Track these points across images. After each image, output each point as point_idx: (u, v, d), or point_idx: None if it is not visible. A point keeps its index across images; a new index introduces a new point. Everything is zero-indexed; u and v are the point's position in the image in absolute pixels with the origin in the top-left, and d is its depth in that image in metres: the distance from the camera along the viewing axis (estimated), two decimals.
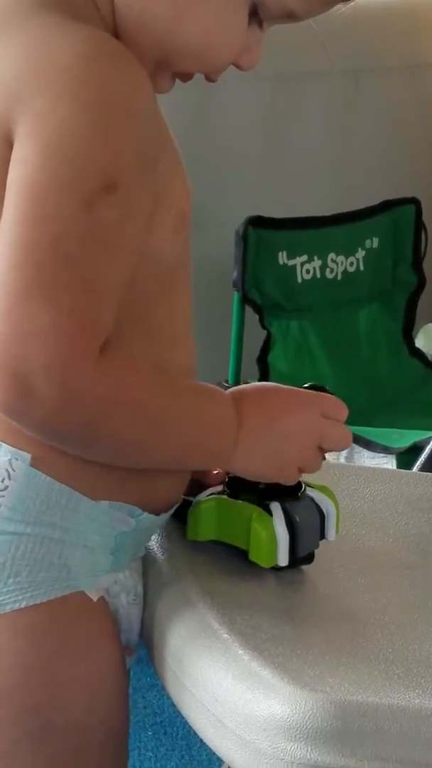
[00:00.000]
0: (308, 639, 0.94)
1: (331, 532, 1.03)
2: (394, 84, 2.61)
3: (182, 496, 1.05)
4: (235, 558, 1.02)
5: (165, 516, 1.02)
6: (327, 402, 1.00)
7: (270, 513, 1.00)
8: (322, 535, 1.03)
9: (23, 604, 0.94)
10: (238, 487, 1.02)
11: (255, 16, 0.95)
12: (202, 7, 0.93)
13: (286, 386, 0.99)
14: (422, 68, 2.66)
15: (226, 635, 0.93)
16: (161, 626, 0.99)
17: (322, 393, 1.01)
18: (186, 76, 0.98)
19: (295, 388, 1.00)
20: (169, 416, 0.92)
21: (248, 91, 2.40)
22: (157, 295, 0.95)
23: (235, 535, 1.01)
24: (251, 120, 2.46)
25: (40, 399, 0.84)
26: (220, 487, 1.03)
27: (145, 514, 0.98)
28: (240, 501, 1.01)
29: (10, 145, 0.87)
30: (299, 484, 1.02)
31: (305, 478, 1.02)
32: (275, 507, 1.00)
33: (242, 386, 0.98)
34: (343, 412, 1.00)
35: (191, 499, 1.05)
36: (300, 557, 1.01)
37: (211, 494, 1.03)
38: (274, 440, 0.96)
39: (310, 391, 1.01)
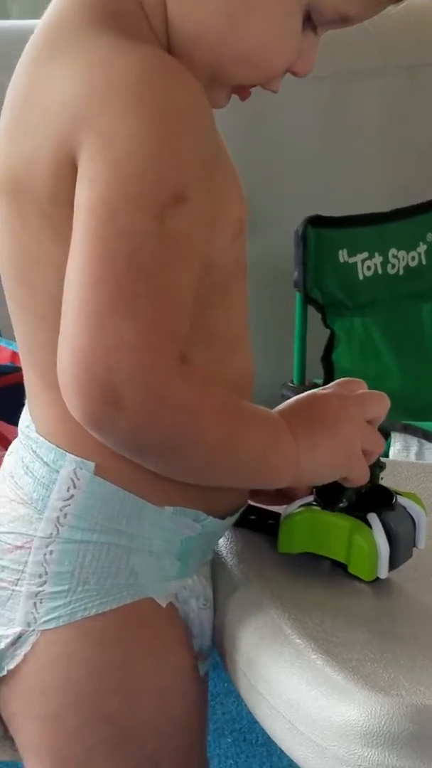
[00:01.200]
0: (381, 642, 0.94)
1: (421, 542, 1.03)
2: None
3: (261, 506, 1.05)
4: (304, 561, 1.02)
5: (230, 519, 1.02)
6: (346, 382, 1.02)
7: (368, 524, 0.99)
8: (414, 543, 1.02)
9: (93, 612, 0.95)
10: (329, 498, 1.01)
11: (309, 21, 0.95)
12: (257, 16, 0.93)
13: (325, 393, 1.01)
14: None
15: (298, 640, 0.93)
16: (232, 632, 0.99)
17: (366, 393, 1.02)
18: (243, 91, 0.99)
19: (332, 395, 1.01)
20: (246, 422, 0.93)
21: (303, 92, 2.40)
22: (215, 301, 0.96)
23: (332, 548, 1.00)
24: (307, 120, 2.45)
25: (128, 409, 0.86)
26: (310, 498, 1.02)
27: (210, 518, 0.99)
28: (336, 513, 1.01)
29: (74, 166, 0.88)
30: (390, 493, 1.02)
31: (388, 484, 1.02)
32: (373, 518, 0.99)
33: (284, 403, 1.00)
34: (362, 383, 1.03)
35: (272, 509, 1.05)
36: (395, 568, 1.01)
37: (302, 505, 1.02)
38: (324, 429, 0.96)
39: (357, 394, 1.01)
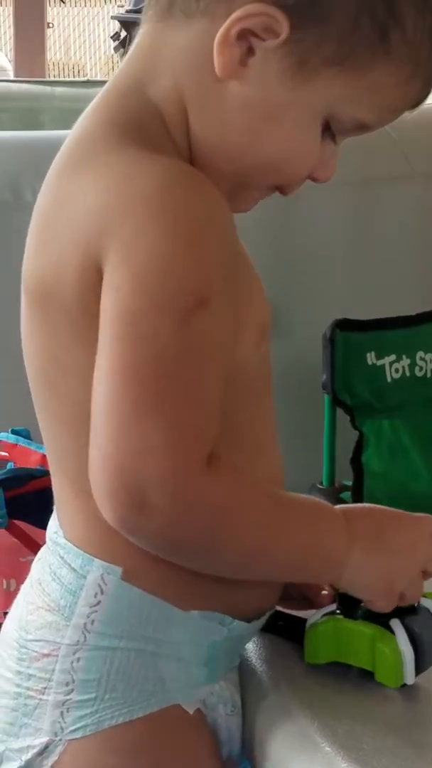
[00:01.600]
0: (413, 749, 0.93)
1: None
2: None
3: (287, 612, 1.05)
4: (333, 667, 1.01)
5: (257, 623, 1.02)
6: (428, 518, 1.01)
7: (391, 631, 0.99)
8: None
9: (120, 720, 0.95)
10: (352, 606, 1.00)
11: (327, 130, 0.97)
12: (277, 128, 0.96)
13: (391, 509, 1.01)
14: None
15: (328, 748, 0.92)
16: (262, 740, 0.98)
17: (427, 516, 1.01)
18: (267, 191, 1.01)
19: (400, 511, 1.01)
20: (284, 520, 0.94)
21: (330, 199, 2.44)
22: (240, 405, 0.97)
23: (357, 656, 1.00)
24: (335, 225, 2.49)
25: (156, 512, 0.87)
26: (332, 606, 1.02)
27: (236, 621, 0.99)
28: (359, 620, 1.00)
29: (99, 274, 0.91)
30: None
31: None
32: (396, 624, 0.99)
33: (348, 505, 1.00)
34: None
35: (297, 614, 1.04)
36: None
37: (326, 614, 1.02)
38: (385, 553, 0.97)
39: (419, 515, 1.01)
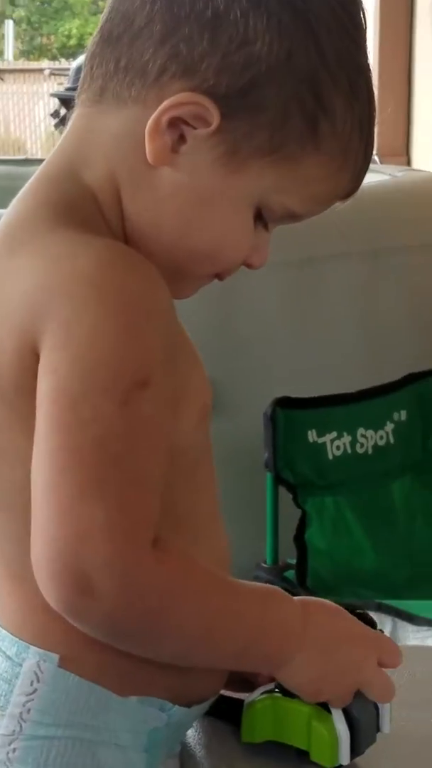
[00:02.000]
0: None
1: (386, 726, 1.02)
2: (411, 262, 2.67)
3: (228, 694, 1.04)
4: (272, 750, 1.01)
5: (198, 709, 1.01)
6: (386, 646, 1.01)
7: (328, 710, 0.98)
8: (378, 728, 1.02)
9: None
10: None
11: (259, 218, 0.98)
12: (209, 215, 0.96)
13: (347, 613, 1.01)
14: None
15: None
16: None
17: (383, 636, 1.02)
18: (205, 279, 1.02)
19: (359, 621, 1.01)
20: (233, 608, 0.93)
21: (271, 277, 2.46)
22: (182, 485, 0.97)
23: (294, 736, 1.00)
24: (275, 304, 2.51)
25: (100, 596, 0.86)
26: (271, 685, 1.02)
27: (176, 707, 0.98)
28: (296, 699, 1.00)
29: (36, 356, 0.90)
30: None
31: None
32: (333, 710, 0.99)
33: (310, 598, 1.00)
34: (397, 660, 1.01)
35: (237, 697, 1.04)
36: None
37: (264, 692, 1.01)
38: (329, 668, 0.97)
39: (377, 634, 1.02)
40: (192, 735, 1.05)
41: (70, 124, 1.00)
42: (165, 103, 0.93)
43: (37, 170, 1.00)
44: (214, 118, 0.93)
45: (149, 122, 0.94)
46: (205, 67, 0.93)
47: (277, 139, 0.94)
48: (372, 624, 1.02)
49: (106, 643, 0.91)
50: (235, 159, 0.94)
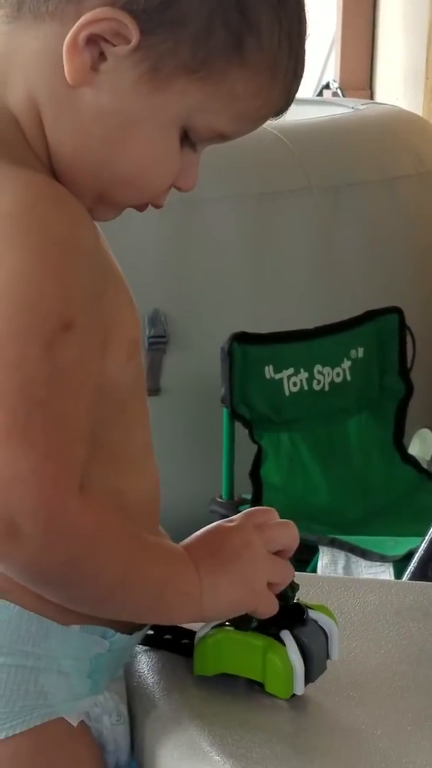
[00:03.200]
0: (300, 757, 0.93)
1: (334, 653, 1.02)
2: (371, 197, 2.66)
3: (179, 627, 1.04)
4: (222, 679, 1.01)
5: (139, 634, 1.01)
6: (252, 512, 1.01)
7: (281, 642, 0.99)
8: (327, 656, 1.02)
9: (2, 735, 0.93)
10: (242, 618, 0.99)
11: (186, 139, 0.95)
12: (132, 139, 0.93)
13: (219, 523, 1.00)
14: (398, 180, 2.71)
15: (217, 757, 0.92)
16: (151, 750, 0.98)
17: (243, 516, 1.00)
18: (140, 207, 0.99)
19: (224, 520, 1.01)
20: (144, 556, 0.92)
21: (229, 211, 2.45)
22: (112, 421, 0.95)
23: (247, 668, 0.99)
24: (233, 238, 2.50)
25: (26, 540, 0.85)
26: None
27: (118, 634, 0.98)
28: (249, 632, 0.99)
29: None
30: (301, 608, 1.01)
31: (303, 598, 1.02)
32: (286, 635, 0.98)
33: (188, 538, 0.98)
34: (271, 513, 1.01)
35: (186, 628, 1.04)
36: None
37: (215, 626, 1.00)
38: (227, 565, 0.95)
39: (235, 520, 1.00)
40: (143, 660, 1.05)
41: None
42: (81, 19, 0.89)
43: None
44: (133, 34, 0.89)
45: (66, 39, 0.90)
46: None
47: (201, 55, 0.90)
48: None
49: None
50: (158, 77, 0.91)
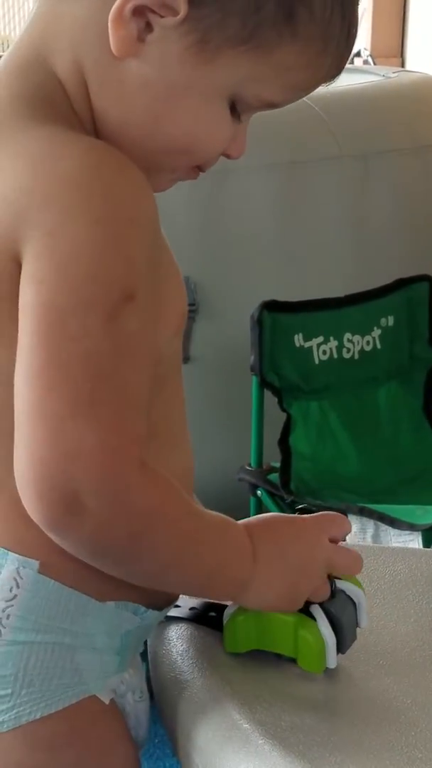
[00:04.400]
0: (329, 726, 0.94)
1: (363, 621, 1.02)
2: (402, 165, 2.64)
3: (206, 602, 1.04)
4: (253, 654, 1.01)
5: (167, 610, 1.02)
6: (330, 522, 1.00)
7: (311, 617, 0.99)
8: (357, 624, 1.02)
9: (38, 715, 0.93)
10: None
11: (233, 109, 0.94)
12: (179, 110, 0.92)
13: (287, 515, 1.01)
14: (429, 148, 2.69)
15: (246, 725, 0.93)
16: (184, 722, 0.98)
17: (323, 514, 1.01)
18: (184, 172, 0.98)
19: (296, 516, 1.01)
20: (199, 534, 0.92)
21: (260, 179, 2.44)
22: (155, 399, 0.94)
23: (279, 644, 1.00)
24: (264, 207, 2.49)
25: (89, 515, 0.84)
26: None
27: (150, 611, 0.98)
28: None
29: (15, 263, 0.87)
30: (329, 579, 1.01)
31: None
32: (316, 610, 0.99)
33: (249, 519, 0.98)
34: (347, 525, 1.01)
35: (214, 603, 1.04)
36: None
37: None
38: (287, 572, 0.96)
39: (313, 515, 1.01)
40: (169, 640, 1.05)
41: (33, 9, 0.94)
42: None
43: (3, 59, 0.95)
44: (181, 6, 0.88)
45: (112, 10, 0.88)
46: None
47: (250, 27, 0.89)
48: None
49: None
50: (206, 49, 0.89)
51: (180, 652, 1.04)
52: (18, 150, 0.88)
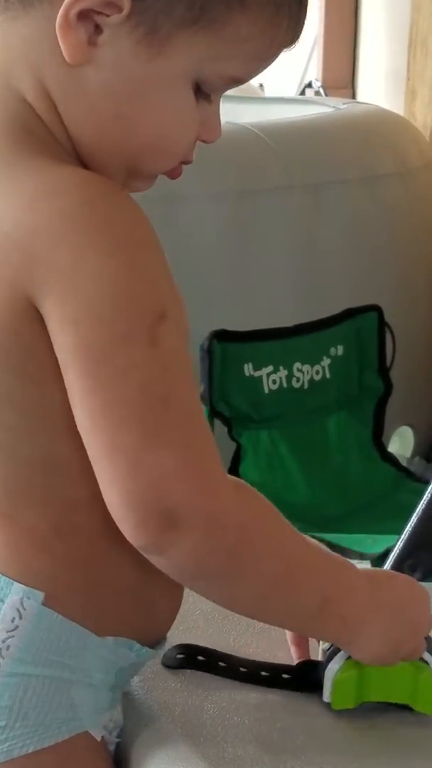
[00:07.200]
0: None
1: None
2: (351, 196, 2.66)
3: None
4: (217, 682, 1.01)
5: (159, 647, 1.01)
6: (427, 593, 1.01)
7: (423, 661, 1.00)
8: None
9: (30, 749, 0.92)
10: None
11: (200, 92, 0.93)
12: (145, 107, 0.91)
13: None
14: (379, 179, 2.71)
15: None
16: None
17: (422, 585, 1.01)
18: (172, 172, 0.97)
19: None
20: (310, 557, 0.92)
21: (209, 208, 2.44)
22: None
23: (395, 693, 1.00)
24: (213, 236, 2.49)
25: (187, 528, 0.85)
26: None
27: (145, 648, 0.98)
28: None
29: (27, 300, 0.86)
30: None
31: None
32: (426, 655, 1.00)
33: (370, 569, 1.00)
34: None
35: (223, 652, 1.04)
36: None
37: (347, 659, 0.99)
38: (401, 627, 0.96)
39: (415, 581, 1.01)
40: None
41: None
42: None
43: None
44: (125, 1, 0.87)
45: (58, 19, 0.88)
46: None
47: (198, 6, 0.88)
48: None
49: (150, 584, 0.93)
50: (158, 38, 0.89)
51: (145, 698, 1.02)
52: (10, 189, 0.88)
